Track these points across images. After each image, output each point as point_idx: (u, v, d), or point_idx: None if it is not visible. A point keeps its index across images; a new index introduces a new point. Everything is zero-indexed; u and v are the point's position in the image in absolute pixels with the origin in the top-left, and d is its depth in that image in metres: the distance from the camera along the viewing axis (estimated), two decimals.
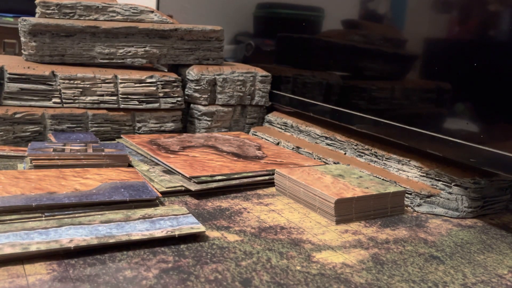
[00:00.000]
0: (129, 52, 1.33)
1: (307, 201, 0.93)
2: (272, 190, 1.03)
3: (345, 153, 1.20)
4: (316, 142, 1.30)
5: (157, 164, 1.06)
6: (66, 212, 0.77)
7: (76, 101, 1.22)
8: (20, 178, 0.86)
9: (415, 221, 0.91)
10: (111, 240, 0.69)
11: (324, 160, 1.18)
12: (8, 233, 0.68)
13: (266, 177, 1.04)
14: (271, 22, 1.53)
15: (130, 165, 1.04)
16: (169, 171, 1.02)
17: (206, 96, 1.37)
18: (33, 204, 0.76)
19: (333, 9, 1.28)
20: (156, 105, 1.30)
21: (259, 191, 1.01)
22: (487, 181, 0.95)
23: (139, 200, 0.84)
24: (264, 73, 1.45)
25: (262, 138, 1.38)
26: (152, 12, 1.43)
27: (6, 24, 2.24)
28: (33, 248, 0.65)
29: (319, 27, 1.33)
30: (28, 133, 1.16)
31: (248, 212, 0.89)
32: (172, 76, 1.32)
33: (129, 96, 1.27)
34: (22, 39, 1.27)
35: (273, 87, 1.47)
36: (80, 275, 0.62)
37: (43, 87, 1.19)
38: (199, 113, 1.37)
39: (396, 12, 1.11)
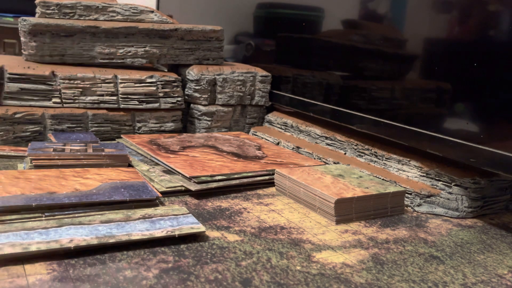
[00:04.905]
0: (129, 52, 1.33)
1: (307, 201, 0.93)
2: (272, 190, 1.03)
3: (345, 153, 1.20)
4: (316, 142, 1.30)
5: (157, 164, 1.06)
6: (66, 212, 0.77)
7: (76, 101, 1.22)
8: (20, 178, 0.86)
9: (415, 221, 0.91)
10: (111, 240, 0.69)
11: (324, 160, 1.18)
12: (8, 233, 0.68)
13: (266, 177, 1.04)
14: (271, 22, 1.53)
15: (130, 165, 1.04)
16: (169, 171, 1.02)
17: (206, 96, 1.37)
18: (33, 204, 0.76)
19: (333, 9, 1.28)
20: (156, 105, 1.30)
21: (259, 191, 1.01)
22: (487, 181, 0.95)
23: (139, 200, 0.84)
24: (264, 73, 1.45)
25: (262, 138, 1.38)
26: (152, 12, 1.43)
27: (6, 24, 2.24)
28: (33, 248, 0.65)
29: (319, 27, 1.33)
30: (28, 133, 1.16)
31: (248, 212, 0.89)
32: (172, 76, 1.32)
33: (129, 96, 1.27)
34: (22, 39, 1.27)
35: (273, 87, 1.47)
36: (80, 275, 0.62)
37: (43, 87, 1.19)
38: (199, 113, 1.37)
39: (396, 12, 1.11)
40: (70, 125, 1.21)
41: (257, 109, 1.47)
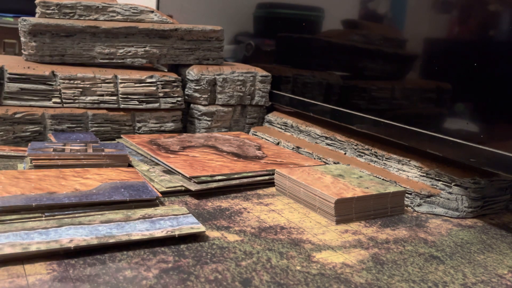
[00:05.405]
0: (129, 52, 1.33)
1: (307, 201, 0.93)
2: (272, 190, 1.03)
3: (345, 153, 1.20)
4: (316, 142, 1.30)
5: (157, 164, 1.06)
6: (66, 212, 0.77)
7: (76, 101, 1.22)
8: (20, 178, 0.86)
9: (415, 221, 0.91)
10: (111, 240, 0.69)
11: (324, 160, 1.18)
12: (8, 233, 0.68)
13: (266, 177, 1.04)
14: (271, 22, 1.53)
15: (130, 165, 1.04)
16: (169, 171, 1.02)
17: (206, 96, 1.37)
18: (33, 204, 0.76)
19: (333, 9, 1.28)
20: (156, 105, 1.30)
21: (259, 191, 1.01)
22: (487, 181, 0.95)
23: (139, 200, 0.84)
24: (264, 73, 1.45)
25: (262, 138, 1.38)
26: (152, 12, 1.43)
27: (6, 24, 2.24)
28: (33, 248, 0.65)
29: (319, 27, 1.33)
30: (28, 133, 1.16)
31: (248, 212, 0.89)
32: (172, 76, 1.32)
33: (129, 96, 1.27)
34: (22, 39, 1.27)
35: (273, 87, 1.47)
36: (80, 275, 0.62)
37: (43, 87, 1.19)
38: (199, 113, 1.37)
39: (396, 12, 1.11)
40: (70, 125, 1.21)
41: (257, 109, 1.47)
